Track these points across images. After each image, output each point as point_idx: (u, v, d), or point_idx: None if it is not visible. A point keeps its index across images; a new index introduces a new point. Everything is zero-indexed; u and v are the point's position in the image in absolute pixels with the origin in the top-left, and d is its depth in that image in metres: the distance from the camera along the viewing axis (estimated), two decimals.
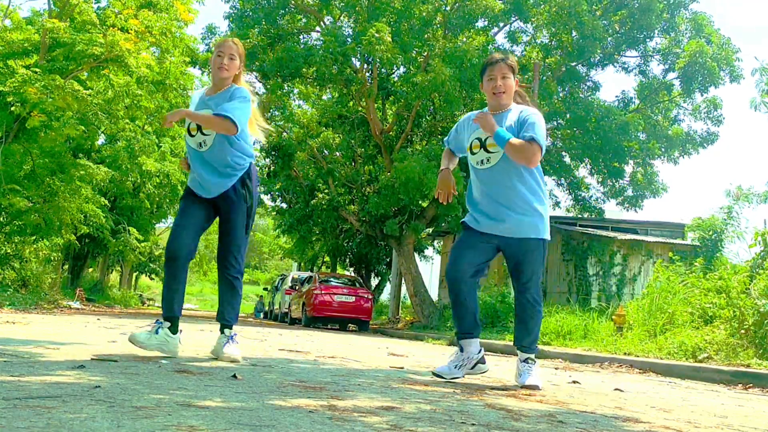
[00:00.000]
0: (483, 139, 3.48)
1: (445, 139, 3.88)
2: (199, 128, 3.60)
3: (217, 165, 3.62)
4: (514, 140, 3.33)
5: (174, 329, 3.54)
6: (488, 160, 3.46)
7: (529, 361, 3.48)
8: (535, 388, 3.33)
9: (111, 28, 12.19)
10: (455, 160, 3.84)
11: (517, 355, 3.59)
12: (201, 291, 50.85)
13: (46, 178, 13.92)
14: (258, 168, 21.84)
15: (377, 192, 16.07)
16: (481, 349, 3.59)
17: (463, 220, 3.66)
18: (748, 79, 13.09)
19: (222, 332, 3.78)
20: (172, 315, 3.54)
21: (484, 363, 3.60)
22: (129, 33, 12.21)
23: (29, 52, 12.94)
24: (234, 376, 2.85)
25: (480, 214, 3.52)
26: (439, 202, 3.71)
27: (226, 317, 3.76)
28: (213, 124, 3.50)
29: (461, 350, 3.55)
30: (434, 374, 3.55)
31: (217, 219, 3.79)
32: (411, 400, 2.53)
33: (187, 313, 24.55)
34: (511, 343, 4.08)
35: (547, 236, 3.51)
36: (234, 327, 3.81)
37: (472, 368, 3.57)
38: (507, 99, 3.51)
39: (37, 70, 11.67)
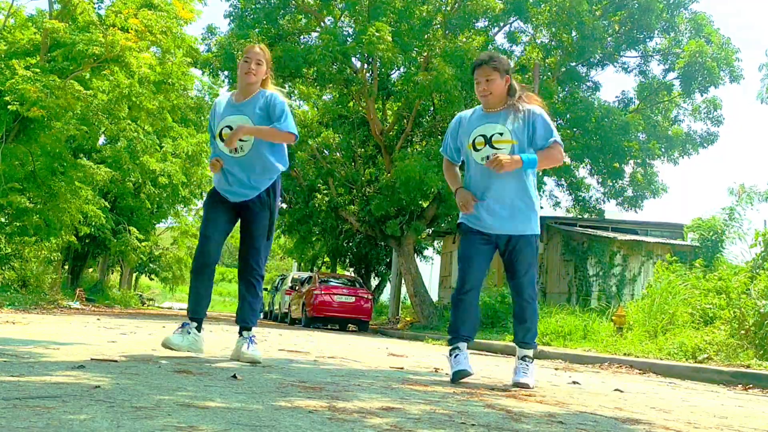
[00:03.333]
0: (488, 136, 3.44)
1: (441, 149, 3.82)
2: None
3: (250, 172, 3.71)
4: (540, 156, 3.39)
5: (198, 329, 3.76)
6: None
7: (526, 359, 3.49)
8: (525, 386, 3.33)
9: (111, 28, 12.18)
10: (458, 172, 3.75)
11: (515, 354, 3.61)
12: None
13: (47, 179, 13.91)
14: None
15: (378, 192, 16.05)
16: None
17: (460, 221, 3.60)
18: (749, 78, 13.11)
19: (241, 334, 3.82)
20: (197, 317, 3.78)
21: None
22: (129, 33, 12.21)
23: (31, 53, 12.94)
24: (234, 376, 2.85)
25: (484, 211, 3.47)
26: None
27: (246, 319, 3.83)
28: (276, 136, 3.69)
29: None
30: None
31: (239, 222, 3.89)
32: (411, 400, 2.53)
33: (186, 313, 24.51)
34: (511, 343, 4.07)
35: (539, 231, 3.56)
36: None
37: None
38: (495, 99, 3.48)
39: (37, 70, 11.67)
